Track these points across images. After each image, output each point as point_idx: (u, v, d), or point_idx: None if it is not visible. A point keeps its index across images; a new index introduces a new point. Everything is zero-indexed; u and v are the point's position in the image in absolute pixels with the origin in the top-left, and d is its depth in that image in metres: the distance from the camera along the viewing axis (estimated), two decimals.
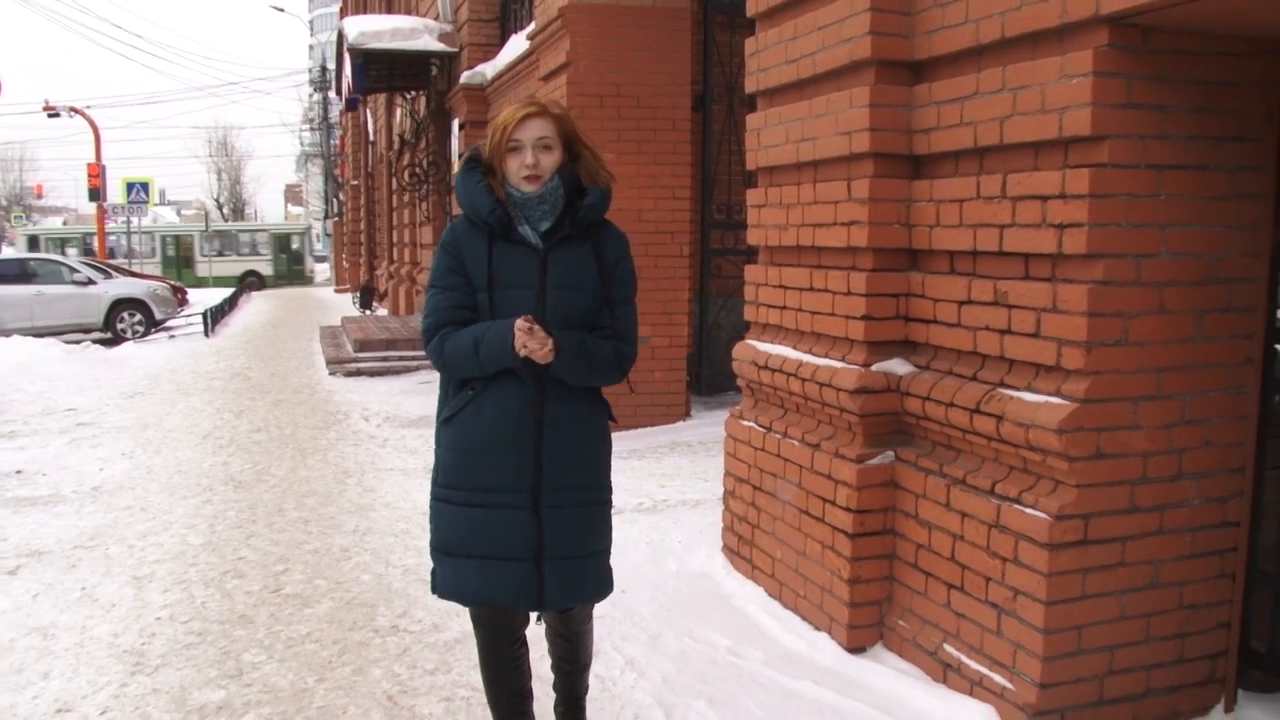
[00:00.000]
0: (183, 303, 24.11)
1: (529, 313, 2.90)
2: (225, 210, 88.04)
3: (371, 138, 28.21)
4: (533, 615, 3.19)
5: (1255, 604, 3.72)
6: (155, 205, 45.11)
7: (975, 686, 3.72)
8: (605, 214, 3.11)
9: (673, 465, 7.51)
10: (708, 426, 8.47)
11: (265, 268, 44.88)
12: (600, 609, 3.43)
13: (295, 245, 47.64)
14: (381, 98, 21.96)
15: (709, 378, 9.65)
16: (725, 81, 9.33)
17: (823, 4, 4.41)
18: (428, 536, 3.06)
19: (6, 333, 16.83)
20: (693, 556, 5.35)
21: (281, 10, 52.75)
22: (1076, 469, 3.39)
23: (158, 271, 40.48)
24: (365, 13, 25.55)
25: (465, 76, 12.34)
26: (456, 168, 3.08)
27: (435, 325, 3.02)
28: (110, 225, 34.50)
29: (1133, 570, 3.53)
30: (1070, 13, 3.32)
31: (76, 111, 32.68)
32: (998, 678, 3.63)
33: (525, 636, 3.20)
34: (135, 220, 35.69)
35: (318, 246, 63.74)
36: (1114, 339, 3.37)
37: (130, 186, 33.20)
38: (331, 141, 48.41)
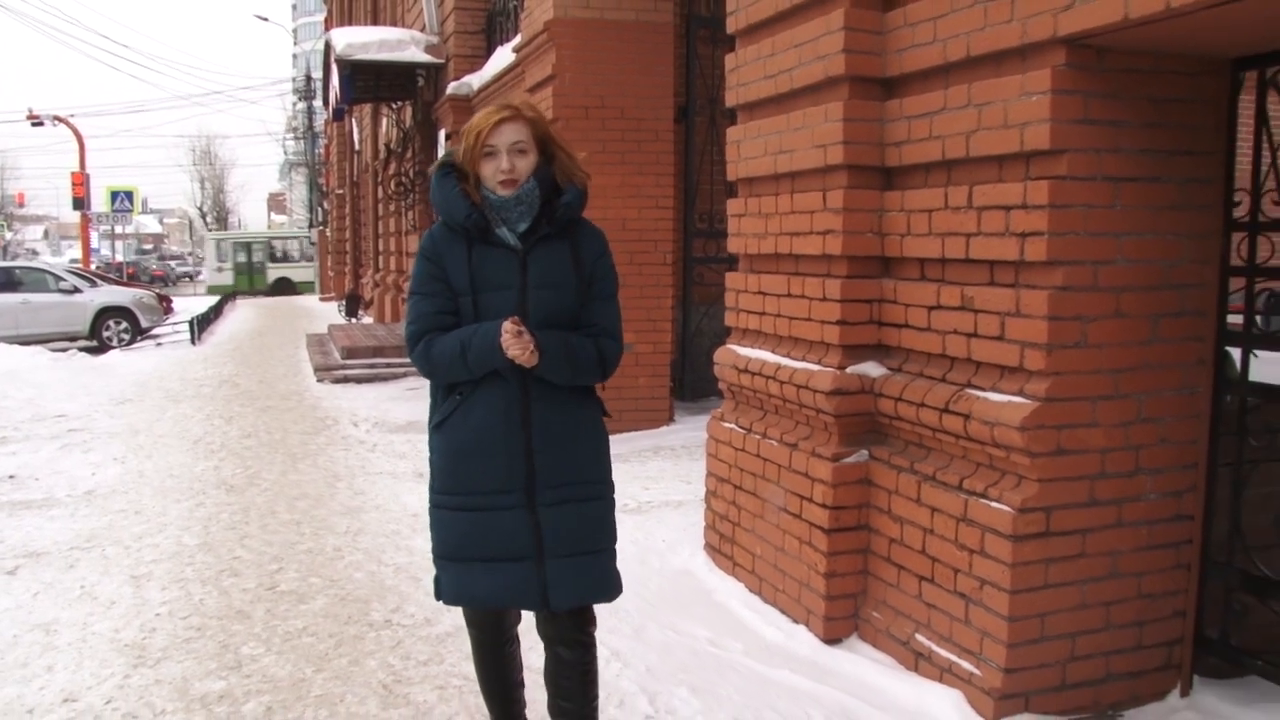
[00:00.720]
0: (168, 311, 24.17)
1: (512, 313, 2.91)
2: (209, 219, 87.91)
3: (357, 147, 28.33)
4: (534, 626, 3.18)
5: (1210, 593, 3.90)
6: (138, 214, 45.05)
7: (944, 673, 3.90)
8: (582, 212, 3.12)
9: (656, 468, 7.70)
10: (690, 431, 8.65)
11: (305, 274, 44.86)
12: None
13: None
14: (367, 107, 22.09)
15: (692, 383, 9.83)
16: (707, 94, 9.53)
17: (799, 22, 4.60)
18: (418, 537, 3.11)
19: None
20: (676, 555, 5.52)
21: (266, 20, 52.87)
22: (1038, 464, 3.57)
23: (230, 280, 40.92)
24: (351, 24, 25.69)
25: (451, 88, 12.51)
26: (431, 178, 3.14)
27: (419, 332, 3.02)
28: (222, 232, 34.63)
29: (1093, 561, 3.71)
30: (1030, 34, 3.51)
31: (60, 120, 32.75)
32: (966, 664, 3.81)
33: (517, 634, 3.26)
34: (119, 227, 35.74)
35: None
36: (1073, 341, 3.56)
37: (115, 195, 33.26)
38: (316, 150, 48.49)
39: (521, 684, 3.33)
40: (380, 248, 23.03)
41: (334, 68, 13.87)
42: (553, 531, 2.97)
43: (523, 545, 2.96)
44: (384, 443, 9.05)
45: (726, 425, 5.27)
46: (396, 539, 5.89)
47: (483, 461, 2.97)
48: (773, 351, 4.90)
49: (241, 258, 44.65)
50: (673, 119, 9.00)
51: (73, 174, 32.02)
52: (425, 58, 13.43)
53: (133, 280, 32.87)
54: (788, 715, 3.71)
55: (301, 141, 54.34)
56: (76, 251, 49.88)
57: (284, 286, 43.78)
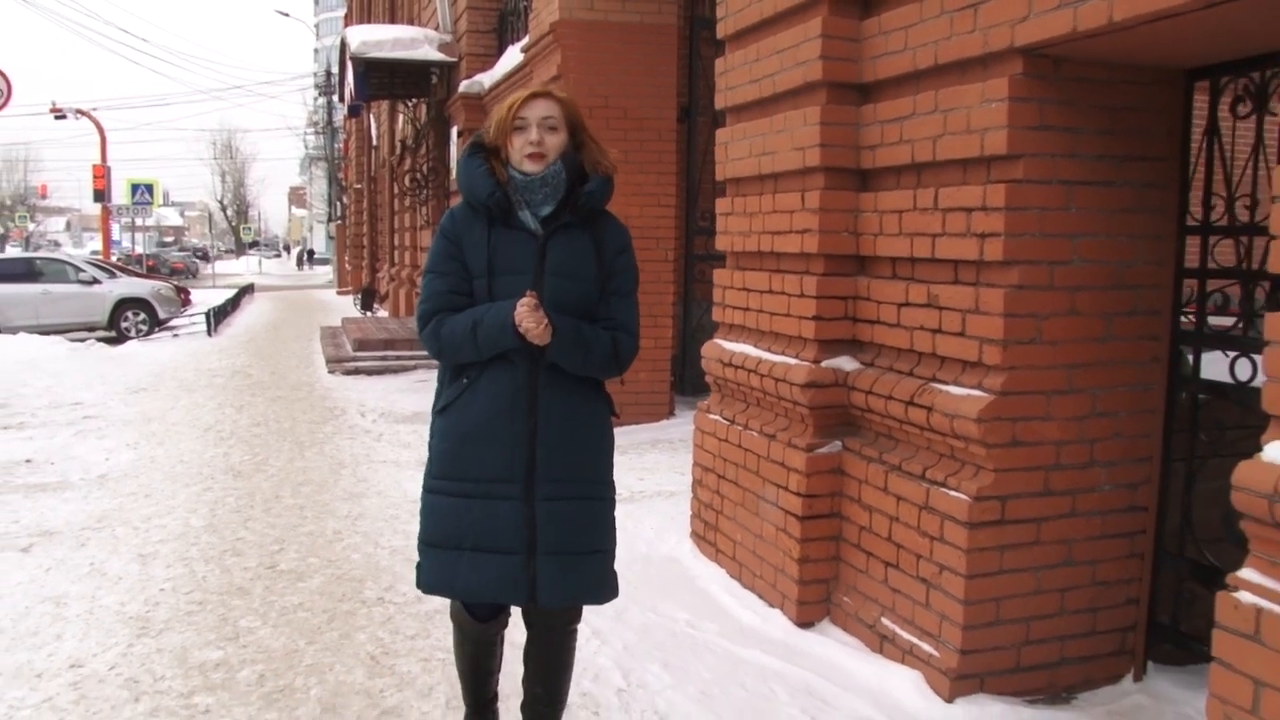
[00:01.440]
0: (186, 303, 24.48)
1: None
2: (229, 212, 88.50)
3: (374, 142, 28.59)
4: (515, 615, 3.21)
5: (1162, 582, 4.07)
6: (159, 206, 45.42)
7: (906, 655, 4.08)
8: (607, 203, 3.09)
9: (653, 460, 7.90)
10: (689, 425, 8.73)
11: None
12: None
13: None
14: (384, 103, 22.34)
15: (692, 378, 10.01)
16: (709, 94, 9.64)
17: (782, 29, 4.78)
18: (416, 522, 3.13)
19: (13, 330, 17.23)
20: (663, 542, 5.71)
21: (287, 15, 53.23)
22: (994, 455, 3.75)
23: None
24: (369, 20, 25.97)
25: (464, 85, 12.73)
26: (457, 159, 3.14)
27: (431, 310, 3.00)
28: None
29: (1047, 548, 3.89)
30: (990, 44, 3.69)
31: (83, 114, 33.09)
32: (926, 646, 3.98)
33: (503, 635, 3.24)
34: (140, 220, 36.09)
35: None
36: (1029, 338, 3.73)
37: (135, 188, 33.63)
38: (336, 145, 48.84)
39: (498, 669, 3.31)
40: (395, 242, 23.29)
41: (349, 65, 14.10)
42: (547, 527, 2.93)
43: (515, 538, 2.92)
44: (390, 432, 9.27)
45: (712, 417, 5.46)
46: (395, 523, 6.11)
47: (485, 448, 2.94)
48: (755, 346, 5.09)
49: None
50: (675, 119, 9.20)
51: (94, 166, 32.33)
52: (438, 56, 13.64)
53: (152, 272, 33.24)
54: (754, 691, 3.89)
55: (322, 136, 54.71)
56: (98, 243, 50.28)
57: None
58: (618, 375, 3.11)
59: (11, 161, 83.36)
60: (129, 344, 17.40)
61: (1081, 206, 3.76)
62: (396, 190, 20.77)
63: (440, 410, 3.06)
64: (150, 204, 34.36)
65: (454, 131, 13.76)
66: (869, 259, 4.50)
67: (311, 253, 77.91)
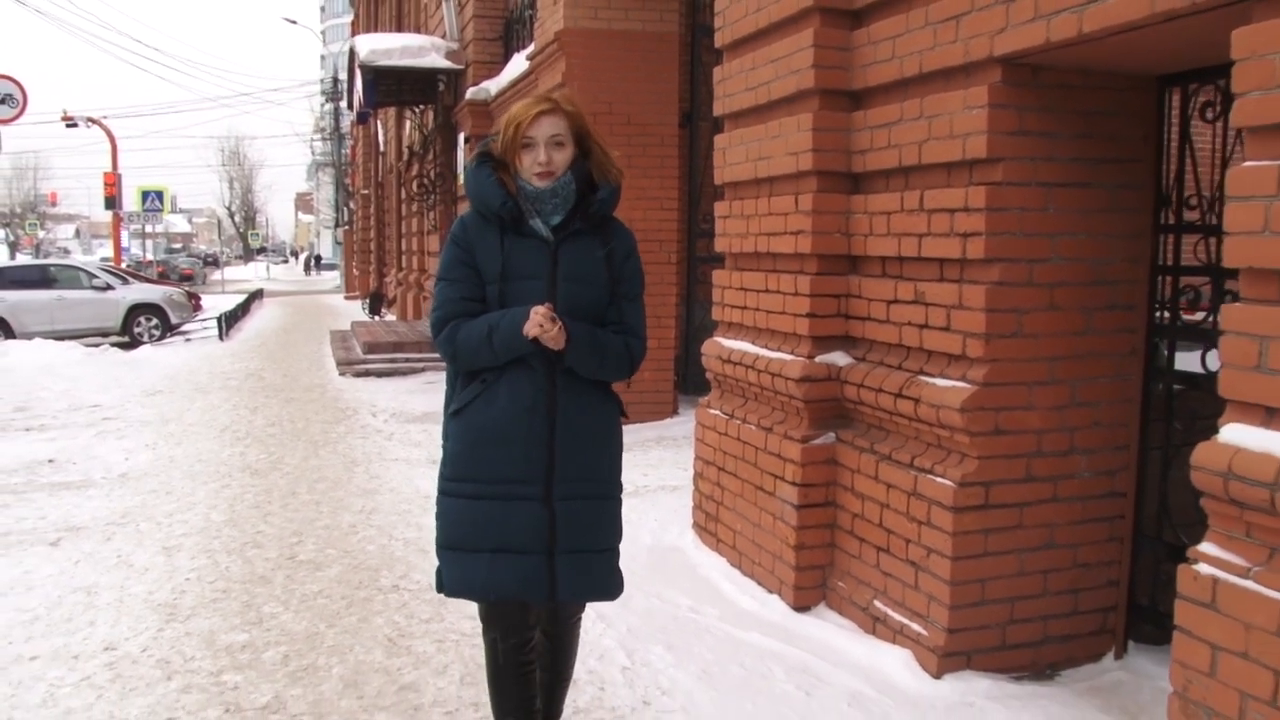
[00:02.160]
0: (197, 308, 24.75)
1: (540, 303, 2.92)
2: (237, 218, 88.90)
3: (382, 148, 28.84)
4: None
5: (1141, 564, 4.27)
6: (168, 213, 45.68)
7: (897, 635, 4.28)
8: (615, 209, 3.14)
9: (657, 457, 8.12)
10: (692, 423, 8.98)
11: None
12: None
13: None
14: (391, 110, 22.58)
15: (695, 378, 10.20)
16: (710, 100, 9.85)
17: (776, 39, 4.99)
18: (428, 515, 3.18)
19: (28, 336, 17.53)
20: (666, 532, 5.92)
21: (294, 22, 53.52)
22: (977, 443, 3.96)
23: None
24: (376, 28, 26.25)
25: (470, 93, 12.96)
26: (465, 165, 3.26)
27: (445, 317, 3.03)
28: None
29: (1030, 532, 4.09)
30: (971, 53, 3.90)
31: (94, 122, 33.36)
32: (915, 626, 4.19)
33: (534, 639, 3.19)
34: (149, 227, 36.35)
35: None
36: (1010, 332, 3.94)
37: (145, 195, 33.89)
38: (343, 151, 49.11)
39: (538, 712, 3.23)
40: (403, 247, 23.53)
41: (358, 73, 14.34)
42: (566, 526, 2.98)
43: (536, 538, 2.95)
44: (401, 432, 9.50)
45: (712, 412, 5.68)
46: (408, 517, 6.33)
47: (503, 449, 2.97)
48: (753, 343, 5.30)
49: None
50: (678, 124, 9.43)
51: (105, 174, 32.54)
52: (445, 64, 13.88)
53: (162, 279, 33.50)
54: (752, 670, 4.10)
55: (329, 142, 55.01)
56: (107, 250, 50.52)
57: None
58: (628, 378, 3.19)
59: (22, 169, 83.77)
60: (142, 349, 17.66)
61: (1059, 207, 3.97)
62: (404, 196, 21.02)
63: (455, 412, 3.07)
64: (160, 211, 34.60)
65: (461, 138, 14.00)
66: (860, 258, 4.71)
67: (319, 258, 78.31)
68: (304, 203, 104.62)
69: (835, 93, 4.70)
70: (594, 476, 3.07)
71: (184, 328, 22.02)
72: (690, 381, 10.22)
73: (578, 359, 2.98)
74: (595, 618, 4.51)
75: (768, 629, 4.56)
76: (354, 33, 34.19)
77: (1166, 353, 4.18)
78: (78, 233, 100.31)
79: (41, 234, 78.64)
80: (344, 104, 34.63)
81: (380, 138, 28.79)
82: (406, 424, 9.94)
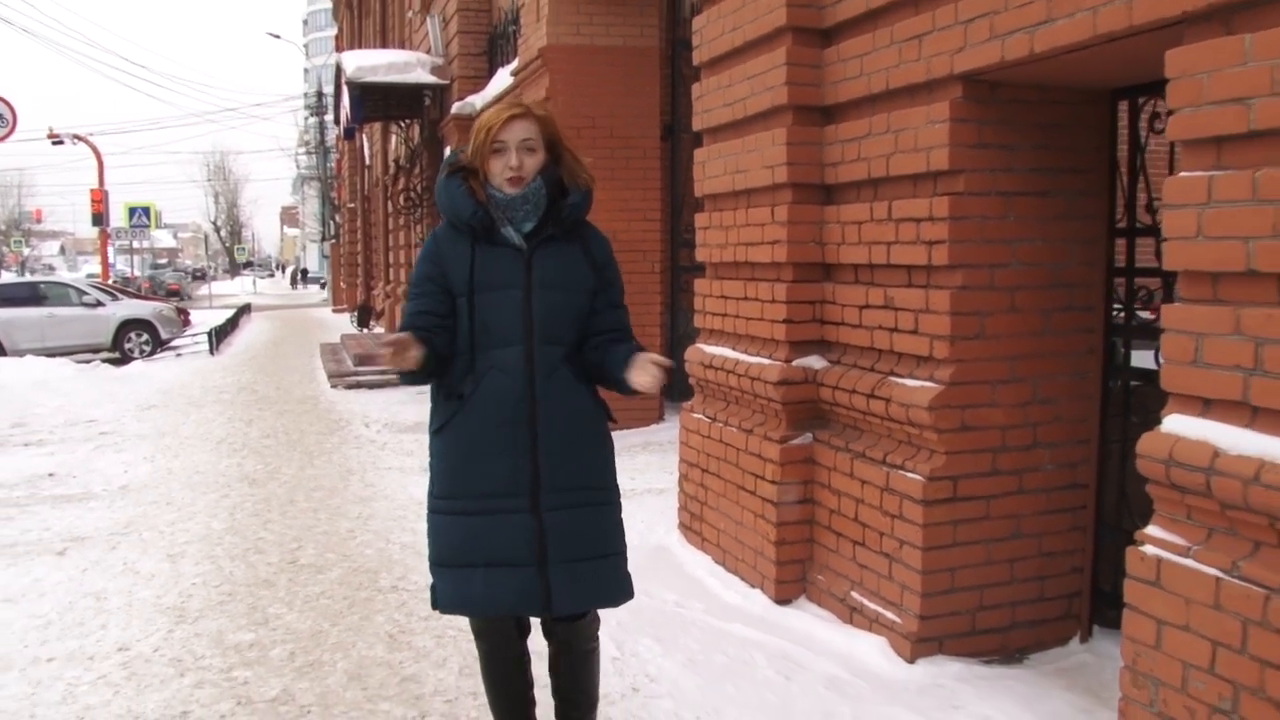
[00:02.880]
0: (186, 323, 24.90)
1: (515, 314, 2.94)
2: (222, 233, 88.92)
3: (368, 162, 29.04)
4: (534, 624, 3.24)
5: (1104, 552, 4.50)
6: (155, 229, 45.75)
7: (873, 623, 4.50)
8: (587, 214, 3.14)
9: (644, 461, 8.34)
10: (678, 428, 9.27)
11: None
12: None
13: None
14: (377, 124, 22.80)
15: (680, 384, 10.38)
16: (691, 113, 10.13)
17: (752, 57, 5.22)
18: (423, 521, 3.21)
19: (20, 353, 17.66)
20: (653, 533, 6.14)
21: (278, 37, 53.70)
22: (944, 439, 4.18)
23: None
24: (360, 44, 26.48)
25: (456, 107, 13.18)
26: (437, 180, 3.18)
27: (402, 329, 3.03)
28: None
29: (996, 523, 4.32)
30: (933, 71, 4.14)
31: (80, 139, 33.48)
32: (889, 614, 4.41)
33: (527, 647, 3.23)
34: (136, 243, 36.47)
35: None
36: (973, 333, 4.17)
37: (133, 211, 34.01)
38: (328, 165, 49.28)
39: (534, 701, 3.29)
40: (390, 260, 23.72)
41: (345, 89, 14.55)
42: (557, 536, 2.95)
43: (526, 550, 2.93)
44: (393, 442, 9.71)
45: (695, 415, 5.90)
46: (403, 523, 6.54)
47: (487, 463, 2.95)
48: (733, 348, 5.52)
49: None
50: (659, 137, 9.66)
51: (92, 191, 32.65)
52: (431, 79, 14.10)
53: (151, 294, 33.60)
54: (735, 658, 4.32)
55: (314, 156, 55.16)
56: (92, 266, 50.56)
57: None
58: None
59: (6, 187, 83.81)
60: (134, 364, 17.80)
61: (1019, 215, 4.20)
62: (391, 209, 21.24)
63: (437, 430, 3.07)
64: (147, 226, 34.74)
65: (447, 151, 14.21)
66: (833, 266, 4.93)
67: (305, 271, 78.43)
68: (290, 217, 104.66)
69: (808, 108, 4.93)
70: (584, 484, 3.04)
71: (174, 343, 22.17)
72: (675, 388, 10.42)
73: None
74: None
75: (750, 621, 4.77)
76: (338, 47, 34.45)
77: (1123, 351, 4.41)
78: (62, 249, 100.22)
79: (26, 251, 78.59)
80: (329, 118, 34.82)
81: (366, 151, 28.98)
82: (399, 434, 10.15)
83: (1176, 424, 3.10)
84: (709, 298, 5.84)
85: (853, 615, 4.65)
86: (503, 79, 11.39)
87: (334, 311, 37.18)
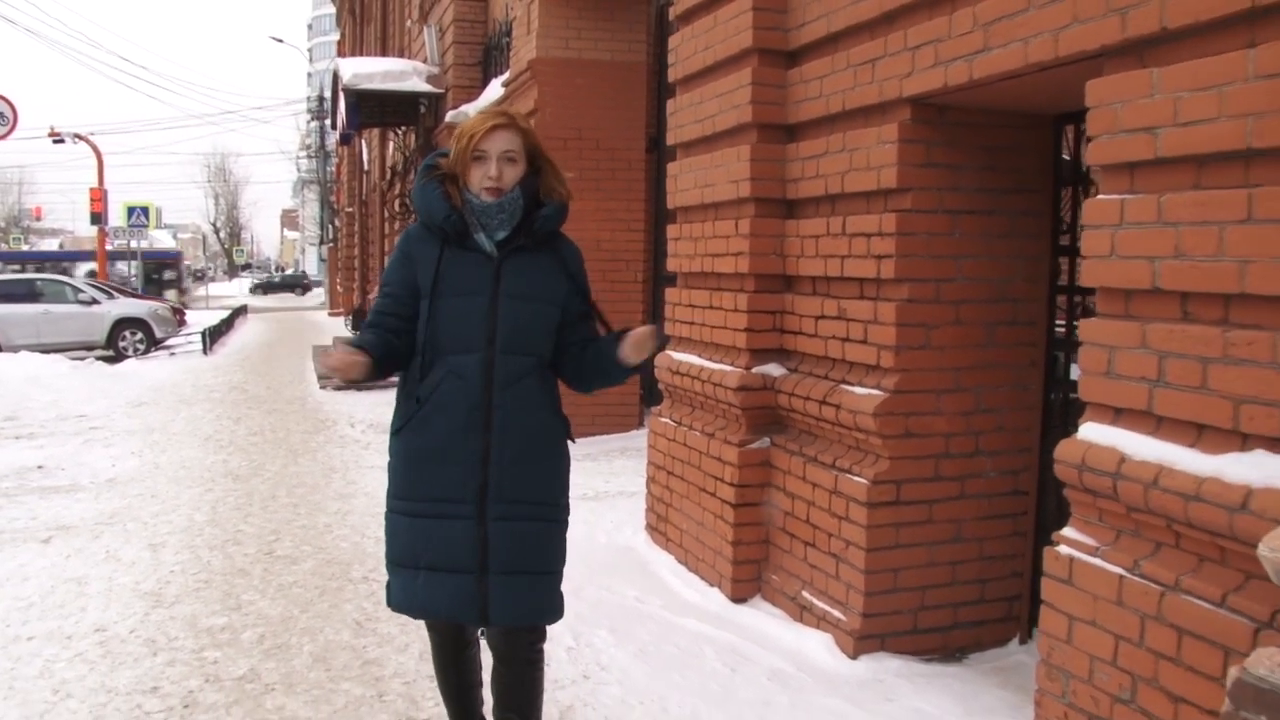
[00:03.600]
0: (181, 323, 25.09)
1: (478, 322, 2.95)
2: (222, 235, 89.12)
3: (366, 167, 29.23)
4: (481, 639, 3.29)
5: (1043, 557, 4.69)
6: (154, 228, 45.89)
7: (821, 621, 4.70)
8: (560, 227, 3.13)
9: (619, 466, 8.53)
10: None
11: None
12: None
13: None
14: (375, 130, 23.01)
15: (659, 392, 10.63)
16: None
17: (720, 76, 5.44)
18: None
19: (14, 349, 17.82)
20: (620, 533, 6.34)
21: (281, 41, 54.02)
22: (889, 445, 4.38)
23: None
24: (362, 50, 26.72)
25: (450, 115, 13.36)
26: (416, 180, 3.19)
27: (365, 325, 3.11)
28: None
29: (939, 527, 4.52)
30: (884, 94, 4.35)
31: (81, 138, 33.64)
32: (836, 612, 4.61)
33: (477, 639, 3.29)
34: (135, 242, 36.64)
35: None
36: (918, 344, 4.37)
37: (131, 210, 34.16)
38: (328, 169, 49.47)
39: (480, 684, 3.38)
40: (385, 265, 23.87)
41: (342, 95, 14.77)
42: (499, 546, 2.95)
43: (467, 557, 2.94)
44: (377, 442, 9.90)
45: (663, 420, 6.10)
46: (379, 519, 6.51)
47: (439, 467, 2.96)
48: (699, 355, 5.73)
49: None
50: (645, 149, 9.86)
51: (91, 190, 32.77)
52: (426, 87, 14.32)
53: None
54: (685, 650, 4.51)
55: (314, 160, 55.40)
56: (91, 264, 50.68)
57: None
58: None
59: (7, 184, 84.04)
60: (127, 362, 18.00)
61: (965, 232, 4.41)
62: (386, 214, 21.44)
63: (396, 431, 3.07)
64: (145, 226, 34.87)
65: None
66: (793, 278, 5.14)
67: (303, 275, 78.60)
68: (289, 219, 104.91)
69: (771, 126, 5.14)
70: (533, 498, 3.02)
71: (168, 342, 22.35)
72: (655, 395, 10.61)
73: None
74: None
75: (705, 617, 4.96)
76: (340, 52, 34.71)
77: (1064, 364, 4.62)
78: (61, 247, 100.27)
79: (25, 248, 78.71)
80: (329, 123, 35.02)
81: (364, 156, 29.19)
82: (383, 434, 10.22)
83: (1090, 431, 3.30)
84: (678, 306, 6.05)
85: (803, 613, 4.84)
86: (495, 89, 11.59)
87: (330, 315, 37.36)
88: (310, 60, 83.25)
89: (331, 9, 47.08)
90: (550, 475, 3.09)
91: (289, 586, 5.34)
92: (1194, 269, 2.92)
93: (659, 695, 4.03)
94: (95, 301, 20.99)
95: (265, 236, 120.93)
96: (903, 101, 4.28)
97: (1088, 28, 3.28)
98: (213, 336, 21.81)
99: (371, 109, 15.29)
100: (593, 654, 4.43)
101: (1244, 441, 2.82)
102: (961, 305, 4.44)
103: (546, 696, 3.38)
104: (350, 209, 35.35)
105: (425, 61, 14.82)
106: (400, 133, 17.68)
